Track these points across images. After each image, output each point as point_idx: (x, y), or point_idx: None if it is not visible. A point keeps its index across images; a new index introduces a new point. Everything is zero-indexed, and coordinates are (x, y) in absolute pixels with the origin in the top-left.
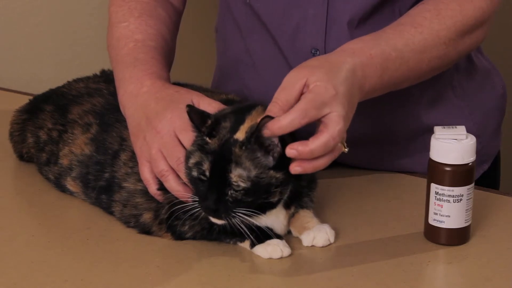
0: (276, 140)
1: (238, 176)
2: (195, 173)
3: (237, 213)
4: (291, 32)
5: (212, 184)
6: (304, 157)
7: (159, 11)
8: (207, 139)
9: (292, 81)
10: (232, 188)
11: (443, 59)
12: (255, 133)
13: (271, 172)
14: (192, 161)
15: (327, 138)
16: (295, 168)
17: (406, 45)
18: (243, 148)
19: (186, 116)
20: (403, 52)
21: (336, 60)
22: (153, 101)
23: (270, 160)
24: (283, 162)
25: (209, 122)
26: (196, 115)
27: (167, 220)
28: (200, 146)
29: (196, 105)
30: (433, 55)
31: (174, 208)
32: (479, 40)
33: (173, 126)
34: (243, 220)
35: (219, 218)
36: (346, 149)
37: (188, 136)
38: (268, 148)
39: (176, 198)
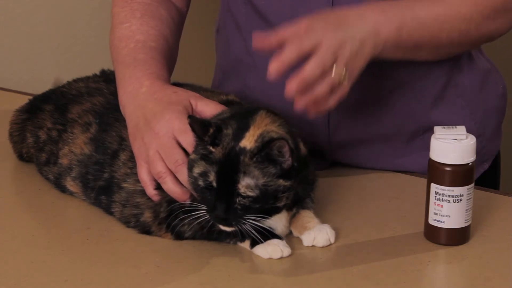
0: (287, 155)
1: (246, 186)
2: (201, 183)
3: (247, 220)
4: None
5: (220, 193)
6: (303, 83)
7: (162, 12)
8: (211, 148)
9: (294, 25)
10: (241, 196)
11: (464, 35)
12: (266, 151)
13: (280, 180)
14: (196, 170)
15: (314, 59)
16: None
17: (423, 10)
18: (253, 159)
19: (184, 118)
20: (420, 17)
21: (343, 10)
22: (151, 102)
23: (278, 169)
24: (292, 171)
25: (211, 130)
26: (197, 125)
27: (167, 219)
28: (204, 155)
29: (194, 106)
30: (454, 27)
31: (173, 205)
32: (502, 29)
33: (171, 127)
34: (252, 225)
35: (230, 226)
36: (345, 80)
37: (187, 138)
38: (277, 161)
39: None
